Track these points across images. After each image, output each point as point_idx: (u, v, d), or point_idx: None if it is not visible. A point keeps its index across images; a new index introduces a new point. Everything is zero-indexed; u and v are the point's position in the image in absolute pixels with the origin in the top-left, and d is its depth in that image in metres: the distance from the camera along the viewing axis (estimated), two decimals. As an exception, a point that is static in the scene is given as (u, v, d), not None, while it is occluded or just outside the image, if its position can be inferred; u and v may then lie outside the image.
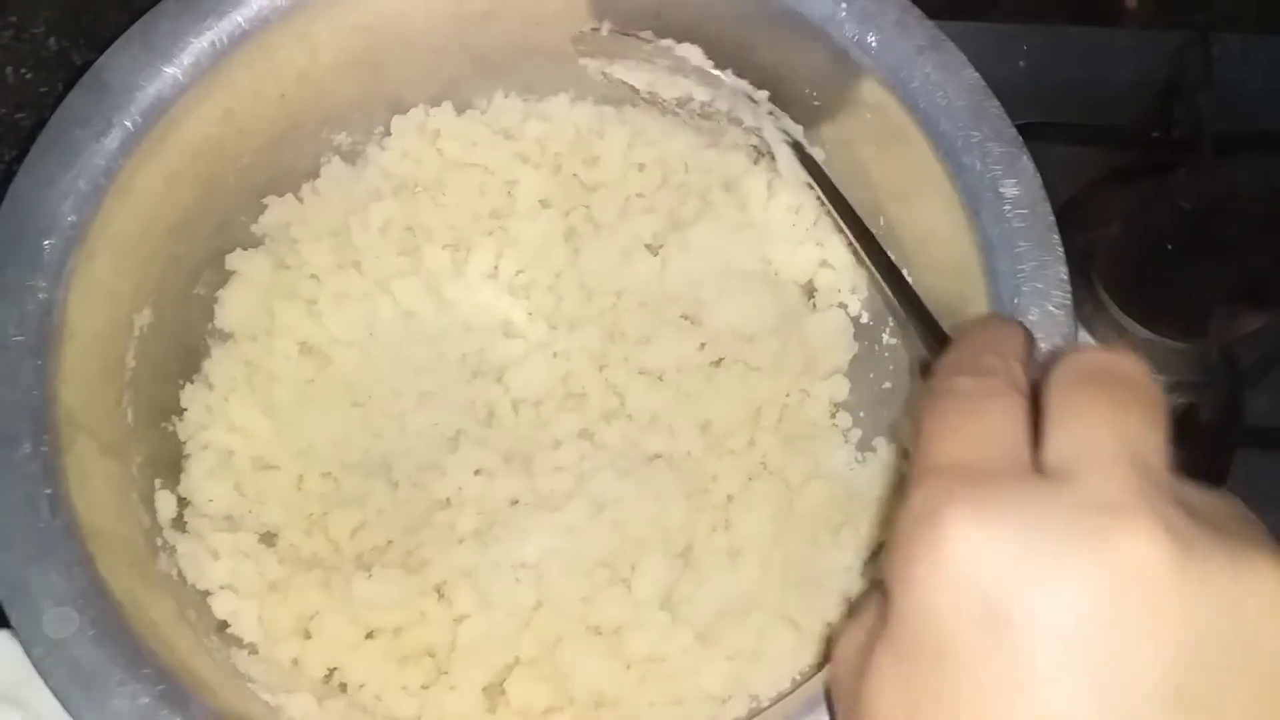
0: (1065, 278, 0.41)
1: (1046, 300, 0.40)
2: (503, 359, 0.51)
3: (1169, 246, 0.53)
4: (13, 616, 0.38)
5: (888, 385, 0.50)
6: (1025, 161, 0.42)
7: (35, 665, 0.38)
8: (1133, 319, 0.52)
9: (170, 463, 0.48)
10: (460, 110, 0.54)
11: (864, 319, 0.51)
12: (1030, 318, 0.40)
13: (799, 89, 0.49)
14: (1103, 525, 0.25)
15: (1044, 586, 0.25)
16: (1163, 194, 0.54)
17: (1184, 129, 0.54)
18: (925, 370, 0.36)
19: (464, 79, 0.53)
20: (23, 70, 0.60)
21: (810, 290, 0.52)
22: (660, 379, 0.50)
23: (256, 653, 0.46)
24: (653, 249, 0.53)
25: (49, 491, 0.39)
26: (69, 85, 0.59)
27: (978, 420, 0.28)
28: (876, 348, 0.51)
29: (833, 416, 0.50)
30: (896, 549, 0.27)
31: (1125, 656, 0.24)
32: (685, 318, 0.51)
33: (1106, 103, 0.57)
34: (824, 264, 0.52)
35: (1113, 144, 0.57)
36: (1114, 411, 0.27)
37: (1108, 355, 0.29)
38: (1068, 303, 0.40)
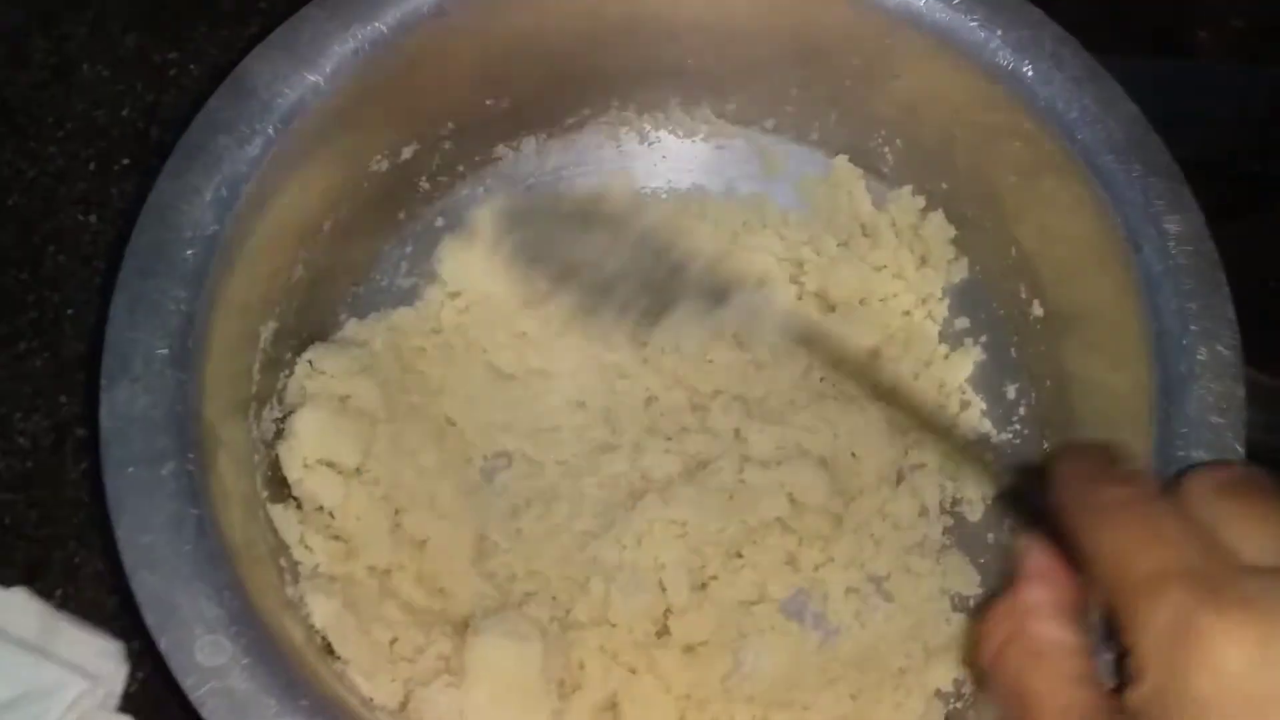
0: (1233, 318, 0.40)
1: (1216, 340, 0.40)
2: None
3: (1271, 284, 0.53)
4: (162, 642, 0.36)
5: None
6: (1188, 197, 0.42)
7: (188, 694, 0.36)
8: (1240, 356, 0.52)
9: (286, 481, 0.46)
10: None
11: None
12: (1199, 357, 0.40)
13: (938, 118, 0.48)
14: None
15: None
16: (1265, 230, 0.54)
17: (1285, 163, 0.54)
18: (1013, 499, 0.36)
19: (590, 98, 0.52)
20: (99, 67, 0.58)
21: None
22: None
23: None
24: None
25: (196, 512, 0.38)
26: (146, 85, 0.58)
27: (1162, 525, 0.29)
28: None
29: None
30: (1158, 668, 0.27)
31: None
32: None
33: (1203, 137, 0.57)
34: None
35: (1211, 179, 0.56)
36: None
37: (1240, 469, 0.32)
38: (1236, 343, 0.40)
